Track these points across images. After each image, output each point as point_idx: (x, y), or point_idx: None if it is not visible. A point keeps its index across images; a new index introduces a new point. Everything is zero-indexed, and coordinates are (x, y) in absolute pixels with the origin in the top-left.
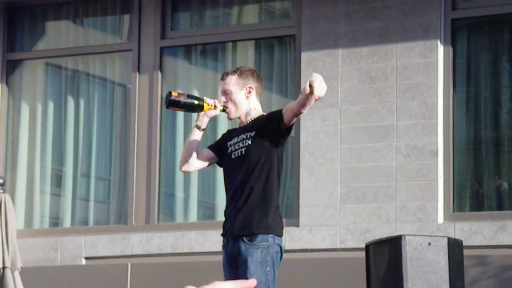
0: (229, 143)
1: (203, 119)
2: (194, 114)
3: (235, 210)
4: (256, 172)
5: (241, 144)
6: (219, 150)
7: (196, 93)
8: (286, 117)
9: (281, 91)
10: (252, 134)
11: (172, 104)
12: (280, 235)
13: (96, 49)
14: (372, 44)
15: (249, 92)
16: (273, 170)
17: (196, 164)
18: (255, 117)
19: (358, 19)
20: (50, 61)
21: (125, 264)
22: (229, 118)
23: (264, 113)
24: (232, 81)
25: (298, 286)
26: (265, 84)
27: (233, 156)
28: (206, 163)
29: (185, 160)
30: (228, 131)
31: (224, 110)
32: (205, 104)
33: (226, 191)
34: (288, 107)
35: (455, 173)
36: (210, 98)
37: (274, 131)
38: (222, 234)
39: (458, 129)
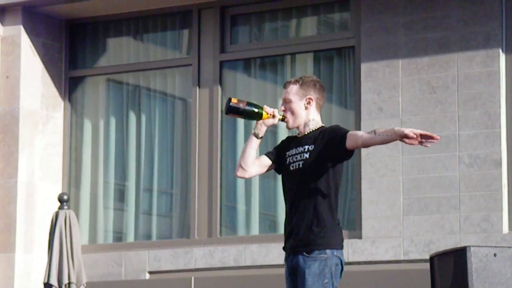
0: (287, 153)
1: (261, 128)
2: (255, 121)
3: (292, 225)
4: (313, 187)
5: (299, 157)
6: (277, 158)
7: None
8: (349, 142)
9: (340, 102)
10: (311, 148)
11: (231, 110)
12: (340, 248)
13: (157, 65)
14: (432, 54)
15: (309, 103)
16: (330, 185)
17: (252, 170)
18: (314, 129)
19: (418, 29)
20: (111, 77)
21: (188, 278)
22: (288, 128)
23: (324, 125)
24: (293, 91)
25: None
26: (325, 95)
27: (291, 168)
28: (263, 170)
29: (241, 166)
30: (288, 138)
31: (283, 120)
32: (264, 113)
33: (285, 201)
34: (356, 134)
35: None
36: (270, 107)
37: (334, 150)
38: (283, 248)
39: None
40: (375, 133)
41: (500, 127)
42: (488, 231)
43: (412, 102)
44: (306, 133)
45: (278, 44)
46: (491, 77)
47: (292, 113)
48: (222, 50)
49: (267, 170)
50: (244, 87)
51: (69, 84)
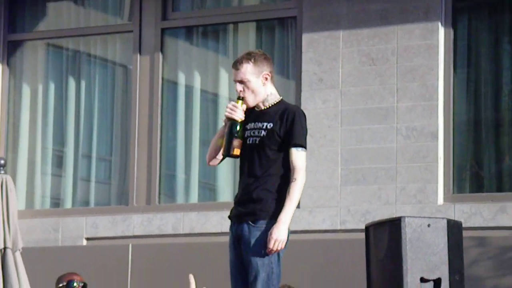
0: (246, 126)
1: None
2: (196, 94)
3: (242, 194)
4: (266, 162)
5: (256, 133)
6: None
7: (196, 74)
8: (289, 155)
9: (282, 72)
10: (269, 126)
11: (229, 155)
12: None
13: (97, 30)
14: (373, 26)
15: (266, 79)
16: (282, 161)
17: (221, 156)
18: (274, 103)
19: (359, 0)
20: (51, 42)
21: (126, 245)
22: (248, 106)
23: (282, 98)
24: (248, 70)
25: (299, 267)
26: None
27: (247, 142)
28: None
29: (211, 155)
30: (246, 111)
31: (242, 100)
32: (238, 120)
33: (240, 170)
34: (295, 159)
35: (455, 155)
36: (231, 110)
37: (283, 139)
38: (228, 217)
39: (458, 110)
40: (288, 193)
41: (437, 100)
42: (424, 202)
43: (352, 73)
44: (265, 107)
45: (220, 13)
46: (430, 50)
47: (252, 92)
48: (164, 17)
49: None
50: (185, 55)
51: (7, 48)
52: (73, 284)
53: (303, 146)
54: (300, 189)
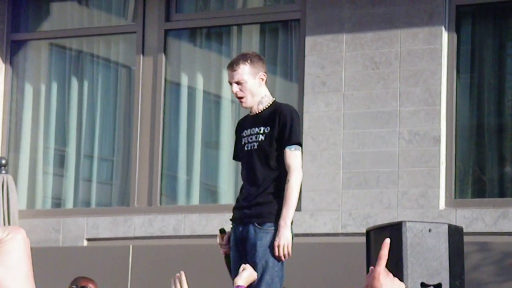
0: (242, 134)
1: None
2: (199, 96)
3: (247, 199)
4: (267, 166)
5: (254, 138)
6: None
7: (199, 76)
8: (284, 156)
9: (285, 75)
10: (266, 130)
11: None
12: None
13: (101, 31)
14: (376, 29)
15: (262, 79)
16: (282, 164)
17: None
18: (267, 105)
19: (363, 4)
20: (54, 42)
21: (126, 246)
22: (245, 107)
23: (275, 99)
24: (246, 71)
25: (300, 271)
26: (269, 67)
27: (246, 149)
28: None
29: None
30: (240, 121)
31: (223, 231)
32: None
33: (241, 174)
34: (289, 157)
35: (458, 160)
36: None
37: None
38: (231, 219)
39: (461, 115)
40: (284, 196)
41: (440, 105)
42: (425, 207)
43: (355, 77)
44: (260, 111)
45: (224, 15)
46: (433, 54)
47: (251, 93)
48: (167, 18)
49: None
50: (188, 57)
51: (10, 47)
52: None
53: (297, 144)
54: (296, 189)
